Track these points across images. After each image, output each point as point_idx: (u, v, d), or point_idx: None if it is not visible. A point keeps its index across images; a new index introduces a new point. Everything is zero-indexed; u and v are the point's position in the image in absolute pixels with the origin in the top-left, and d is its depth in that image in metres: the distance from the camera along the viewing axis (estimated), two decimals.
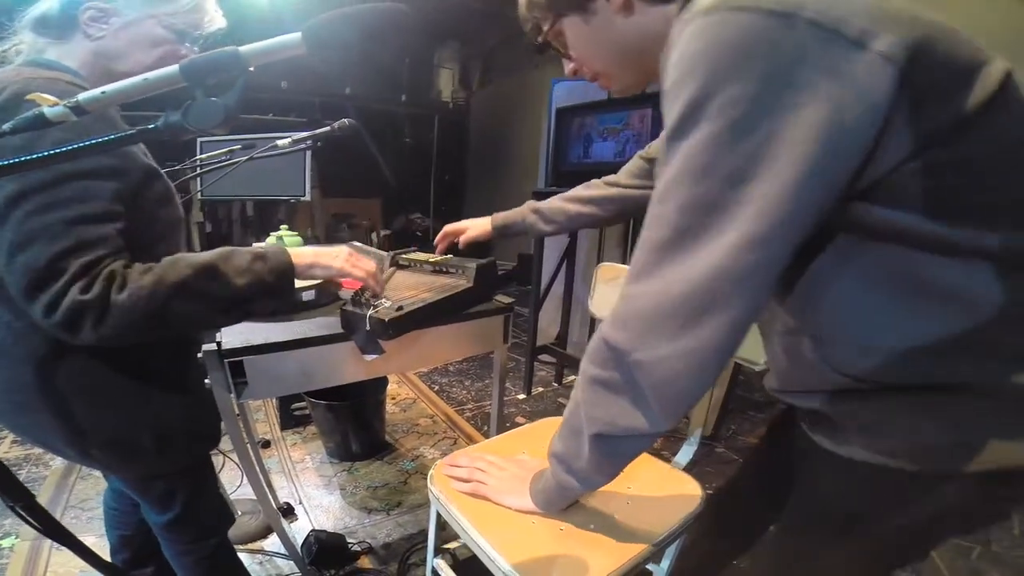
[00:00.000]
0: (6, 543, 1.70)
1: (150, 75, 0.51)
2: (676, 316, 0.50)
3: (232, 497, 1.83)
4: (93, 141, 0.49)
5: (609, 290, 1.08)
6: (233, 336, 0.87)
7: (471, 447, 1.11)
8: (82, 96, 0.49)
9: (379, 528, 1.81)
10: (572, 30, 0.70)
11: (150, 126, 0.50)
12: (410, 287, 1.03)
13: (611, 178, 1.17)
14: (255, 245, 0.84)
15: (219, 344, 0.83)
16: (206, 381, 0.86)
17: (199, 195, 2.85)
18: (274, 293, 0.76)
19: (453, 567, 1.12)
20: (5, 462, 1.53)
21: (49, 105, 0.48)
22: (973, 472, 0.52)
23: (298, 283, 1.03)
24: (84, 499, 1.90)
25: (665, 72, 0.51)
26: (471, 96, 5.97)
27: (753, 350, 0.91)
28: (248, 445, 1.62)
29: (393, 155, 5.37)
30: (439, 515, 0.98)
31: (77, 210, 0.67)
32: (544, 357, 3.07)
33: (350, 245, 1.08)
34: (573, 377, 3.10)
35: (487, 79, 5.90)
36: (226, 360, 0.82)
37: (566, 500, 0.84)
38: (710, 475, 2.15)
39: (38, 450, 2.22)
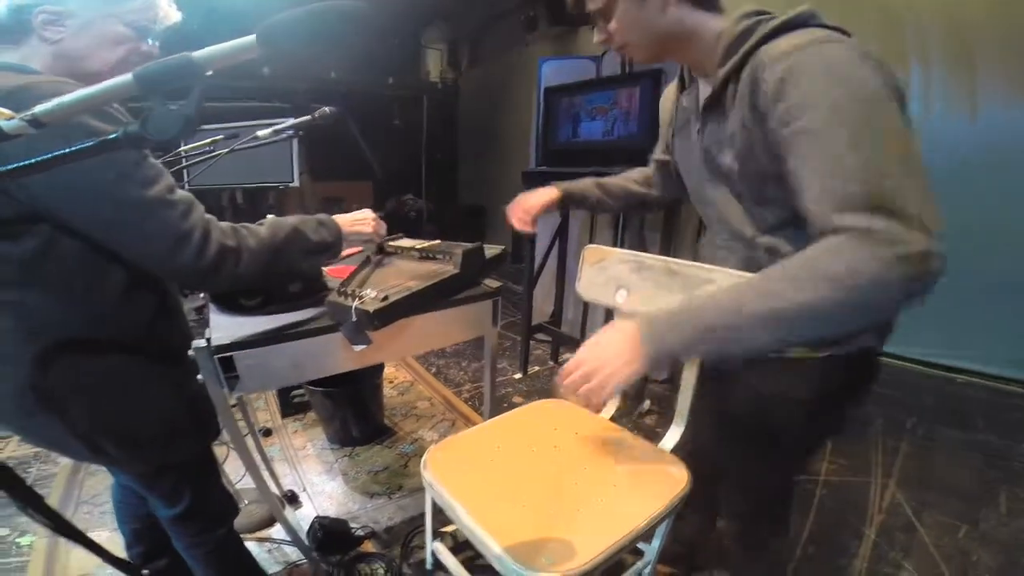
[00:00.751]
0: (24, 541, 1.73)
1: (105, 85, 0.50)
2: None
3: (238, 486, 1.86)
4: (54, 154, 0.48)
5: (595, 272, 1.08)
6: (222, 331, 0.87)
7: (464, 432, 1.12)
8: (38, 109, 0.48)
9: (381, 512, 1.84)
10: (624, 7, 0.81)
11: (110, 136, 0.50)
12: (396, 275, 1.03)
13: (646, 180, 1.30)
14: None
15: (208, 340, 0.83)
16: (198, 377, 0.87)
17: (187, 186, 2.83)
18: (331, 248, 0.99)
19: (452, 550, 1.15)
20: (13, 460, 1.55)
21: (5, 119, 0.48)
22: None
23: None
24: (95, 494, 1.92)
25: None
26: (460, 76, 5.88)
27: None
28: (248, 436, 1.65)
29: (382, 138, 5.31)
30: (434, 501, 1.00)
31: (168, 181, 0.78)
32: (540, 336, 3.08)
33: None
34: (568, 355, 3.12)
35: (476, 59, 5.81)
36: (216, 356, 0.82)
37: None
38: None
39: None
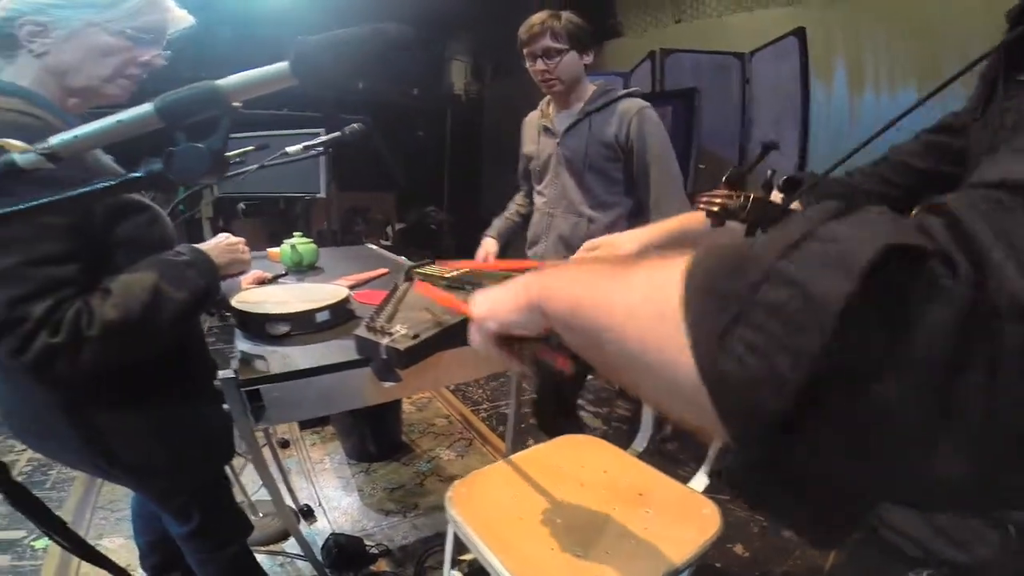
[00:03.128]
0: (40, 544, 1.75)
1: (123, 116, 0.46)
2: None
3: (254, 498, 1.85)
4: (75, 192, 0.45)
5: None
6: (247, 365, 0.87)
7: (489, 467, 1.10)
8: (55, 141, 0.45)
9: (396, 530, 1.82)
10: (560, 59, 1.37)
11: (133, 175, 0.47)
12: (424, 307, 1.01)
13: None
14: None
15: (236, 373, 0.83)
16: (224, 406, 0.86)
17: (215, 193, 2.87)
18: (209, 295, 0.86)
19: None
20: (35, 461, 1.57)
21: (19, 152, 0.45)
22: None
23: (313, 305, 1.03)
24: (112, 500, 1.94)
25: None
26: (484, 89, 5.91)
27: None
28: (265, 447, 1.64)
29: (406, 149, 5.35)
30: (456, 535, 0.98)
31: (37, 251, 0.67)
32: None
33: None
34: (590, 376, 3.08)
35: (500, 71, 5.83)
36: (242, 389, 0.81)
37: None
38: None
39: None
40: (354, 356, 0.91)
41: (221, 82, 0.45)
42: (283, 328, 0.97)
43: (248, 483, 1.90)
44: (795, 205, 0.78)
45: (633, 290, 0.30)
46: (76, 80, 0.79)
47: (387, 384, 0.88)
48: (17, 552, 1.71)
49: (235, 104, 0.47)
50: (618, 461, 1.11)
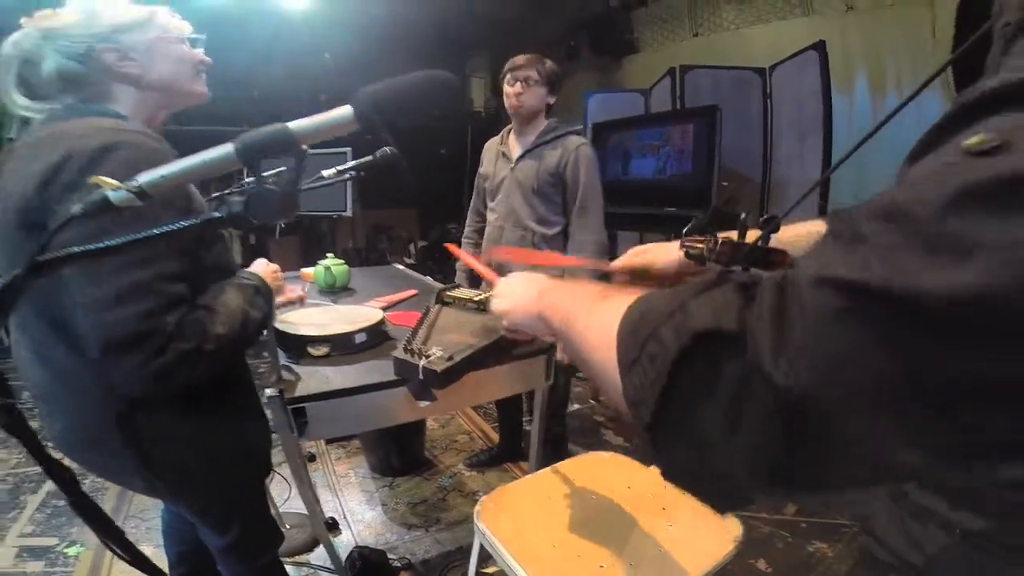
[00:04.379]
0: (72, 552, 1.84)
1: (207, 157, 0.52)
2: None
3: (281, 510, 1.93)
4: (166, 229, 0.51)
5: None
6: (292, 385, 0.94)
7: (516, 482, 1.15)
8: (143, 180, 0.51)
9: (418, 544, 1.88)
10: (534, 90, 1.73)
11: (216, 215, 0.53)
12: (457, 329, 1.08)
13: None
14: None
15: (282, 392, 0.90)
16: (267, 419, 0.93)
17: None
18: (270, 318, 0.94)
19: None
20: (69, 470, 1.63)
21: (112, 189, 0.50)
22: None
23: (351, 327, 1.10)
24: (143, 509, 2.03)
25: None
26: (502, 105, 6.04)
27: None
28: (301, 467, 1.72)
29: (428, 166, 5.48)
30: (482, 547, 1.03)
31: (166, 268, 0.75)
32: (580, 374, 3.09)
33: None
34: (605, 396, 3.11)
35: None
36: (289, 407, 0.89)
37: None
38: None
39: None
40: (389, 376, 0.98)
41: (293, 125, 0.51)
42: (324, 348, 1.05)
43: (274, 495, 1.98)
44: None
45: (602, 318, 0.43)
46: (178, 86, 0.90)
47: (422, 404, 0.94)
48: (50, 559, 1.80)
49: (305, 148, 0.53)
50: (641, 476, 1.15)
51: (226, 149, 0.51)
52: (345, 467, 2.33)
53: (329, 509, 2.03)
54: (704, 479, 0.35)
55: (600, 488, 1.11)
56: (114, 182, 0.49)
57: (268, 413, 0.96)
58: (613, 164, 2.65)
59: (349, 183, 2.82)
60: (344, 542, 1.87)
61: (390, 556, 1.79)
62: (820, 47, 2.24)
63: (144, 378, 0.73)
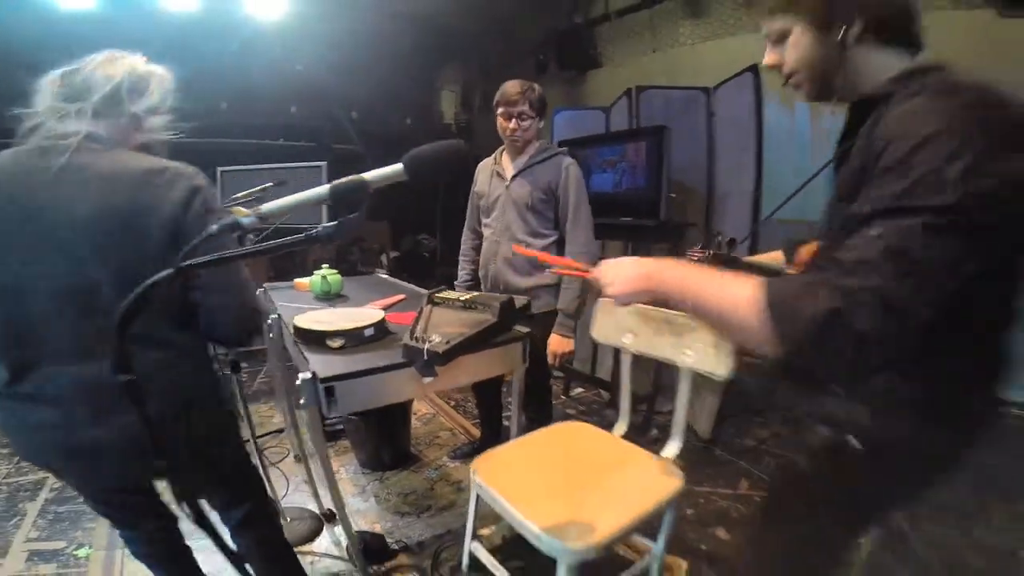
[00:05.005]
0: (82, 553, 1.96)
1: (307, 195, 0.78)
2: None
3: (283, 505, 2.13)
4: (277, 243, 0.76)
5: (607, 320, 1.39)
6: (322, 367, 1.19)
7: (502, 446, 1.42)
8: (264, 209, 0.80)
9: (412, 529, 2.11)
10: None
11: (313, 233, 0.76)
12: (449, 323, 1.35)
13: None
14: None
15: (314, 374, 1.15)
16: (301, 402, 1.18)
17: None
18: None
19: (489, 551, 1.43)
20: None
21: (244, 216, 0.77)
22: None
23: (360, 322, 1.36)
24: None
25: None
26: (473, 118, 6.31)
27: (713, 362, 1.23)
28: (291, 458, 1.94)
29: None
30: (479, 498, 1.29)
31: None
32: (555, 373, 3.37)
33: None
34: (580, 390, 3.41)
35: (488, 101, 6.21)
36: (321, 384, 1.14)
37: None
38: (709, 476, 2.45)
39: None
40: (396, 360, 1.25)
41: (366, 176, 0.78)
42: (339, 341, 1.30)
43: (278, 488, 2.18)
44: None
45: (722, 286, 0.79)
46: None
47: (426, 380, 1.20)
48: (61, 561, 1.93)
49: (370, 191, 0.79)
50: (604, 440, 1.44)
51: (322, 190, 0.78)
52: (336, 464, 2.55)
53: (325, 502, 2.24)
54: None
55: (571, 449, 1.39)
56: (245, 210, 0.77)
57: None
58: None
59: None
60: (341, 532, 2.08)
61: (388, 540, 2.01)
62: (754, 69, 2.55)
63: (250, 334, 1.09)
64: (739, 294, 0.75)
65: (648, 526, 1.23)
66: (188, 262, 0.69)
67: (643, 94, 3.19)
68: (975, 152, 0.62)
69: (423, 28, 5.32)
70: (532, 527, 1.08)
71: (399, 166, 0.79)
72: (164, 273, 0.66)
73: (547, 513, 1.12)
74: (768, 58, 0.92)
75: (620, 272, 0.95)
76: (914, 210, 0.64)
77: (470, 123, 6.30)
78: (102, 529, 2.06)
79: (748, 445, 2.77)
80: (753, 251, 2.58)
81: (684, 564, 1.79)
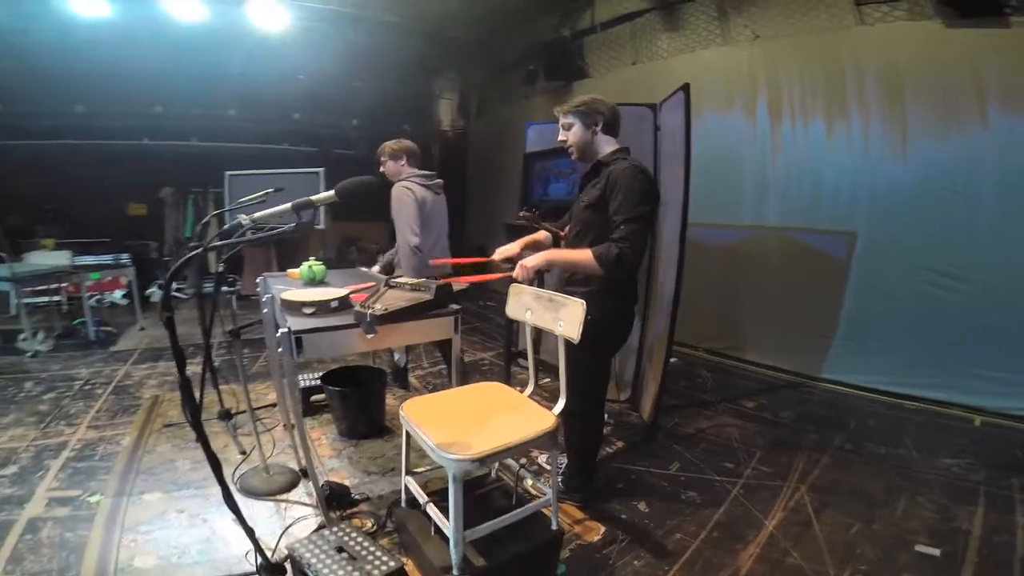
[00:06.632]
0: (94, 499, 2.40)
1: (281, 208, 1.36)
2: None
3: (269, 461, 2.64)
4: (286, 226, 1.33)
5: (515, 302, 1.93)
6: (295, 325, 1.73)
7: (429, 395, 1.95)
8: (256, 215, 1.37)
9: (376, 485, 2.59)
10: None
11: (279, 230, 1.34)
12: (394, 298, 1.89)
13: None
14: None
15: (289, 329, 1.69)
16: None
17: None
18: None
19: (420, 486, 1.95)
20: (82, 443, 2.46)
21: (244, 219, 1.35)
22: None
23: (328, 296, 1.90)
24: (150, 467, 2.70)
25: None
26: (468, 125, 6.86)
27: (573, 331, 1.75)
28: (282, 426, 2.47)
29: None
30: (409, 436, 1.81)
31: None
32: (522, 361, 3.86)
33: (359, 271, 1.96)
34: (547, 379, 3.87)
35: (483, 109, 6.78)
36: (293, 336, 1.68)
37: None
38: (645, 454, 2.94)
39: (110, 431, 3.07)
40: (351, 322, 1.78)
41: (313, 197, 1.35)
42: (311, 309, 1.85)
43: (267, 447, 2.70)
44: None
45: (579, 254, 2.06)
46: None
47: (369, 336, 1.74)
48: (75, 504, 2.36)
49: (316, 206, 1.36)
50: (511, 395, 1.95)
51: (286, 207, 1.35)
52: (318, 433, 3.08)
53: (304, 462, 2.72)
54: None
55: (483, 400, 1.90)
56: (245, 216, 1.32)
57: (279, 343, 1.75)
58: (538, 186, 3.49)
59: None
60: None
61: (352, 492, 2.51)
62: (686, 88, 2.77)
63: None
64: (585, 255, 1.98)
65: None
66: (208, 245, 1.24)
67: None
68: (645, 193, 1.64)
69: (421, 40, 5.90)
70: (430, 442, 1.59)
71: (332, 192, 1.35)
72: (195, 251, 1.21)
73: (444, 435, 1.62)
74: (560, 136, 2.19)
75: (534, 257, 2.04)
76: (634, 219, 1.40)
77: (466, 129, 6.86)
78: (113, 480, 2.54)
79: (687, 432, 3.24)
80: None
81: (601, 528, 2.26)
